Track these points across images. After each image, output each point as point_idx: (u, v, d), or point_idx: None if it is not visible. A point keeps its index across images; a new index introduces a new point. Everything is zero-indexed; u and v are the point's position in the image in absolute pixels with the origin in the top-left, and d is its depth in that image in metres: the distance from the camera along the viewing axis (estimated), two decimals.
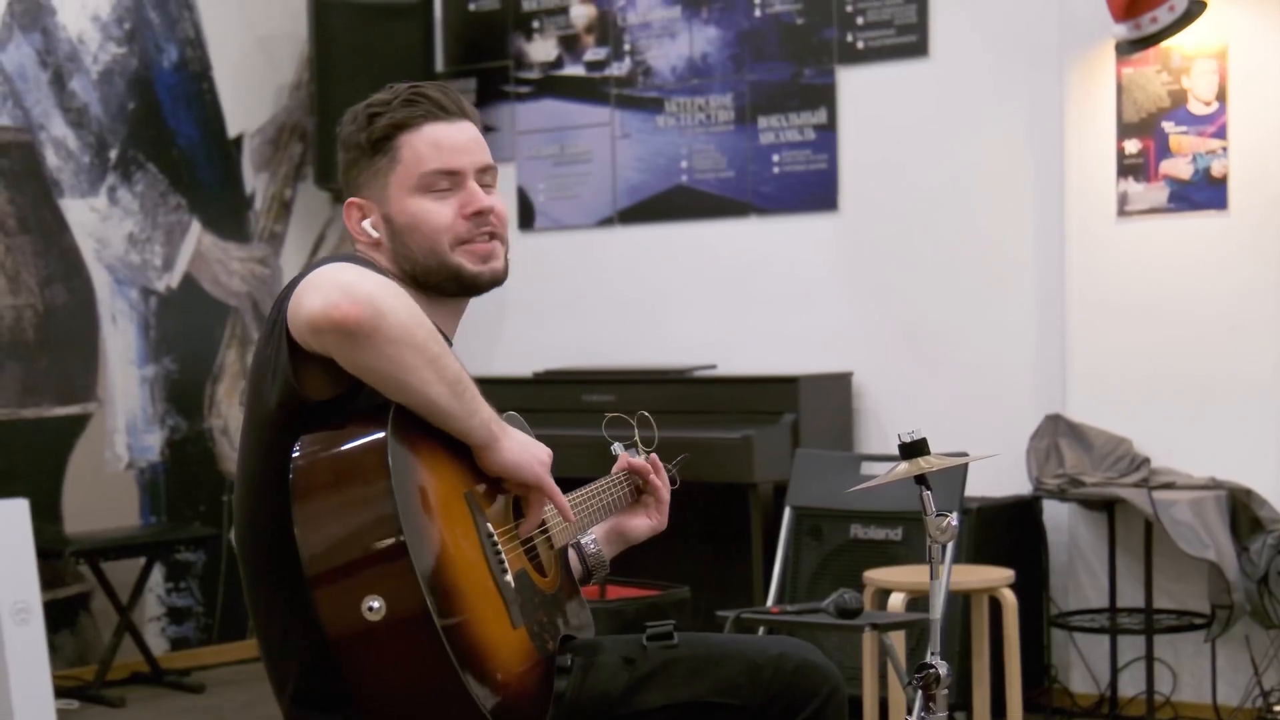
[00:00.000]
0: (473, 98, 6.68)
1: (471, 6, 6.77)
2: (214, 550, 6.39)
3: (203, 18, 6.44)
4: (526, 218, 6.63)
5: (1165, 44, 5.13)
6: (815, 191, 5.99)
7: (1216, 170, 5.17)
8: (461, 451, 2.36)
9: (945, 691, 2.70)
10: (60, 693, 5.53)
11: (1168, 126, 5.24)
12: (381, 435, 2.23)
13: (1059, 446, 5.31)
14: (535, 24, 6.60)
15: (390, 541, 2.17)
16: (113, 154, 6.20)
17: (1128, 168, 5.31)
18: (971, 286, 5.68)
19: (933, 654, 2.72)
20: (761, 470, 5.43)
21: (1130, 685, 5.29)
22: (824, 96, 5.94)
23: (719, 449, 5.39)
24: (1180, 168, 5.23)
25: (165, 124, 6.36)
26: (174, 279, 6.37)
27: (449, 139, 2.50)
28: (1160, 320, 5.27)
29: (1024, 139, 5.57)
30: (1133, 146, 5.30)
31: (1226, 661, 5.18)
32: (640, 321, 6.36)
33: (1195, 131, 5.20)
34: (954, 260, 5.71)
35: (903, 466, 2.73)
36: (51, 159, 6.04)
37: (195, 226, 6.43)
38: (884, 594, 4.38)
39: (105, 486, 6.16)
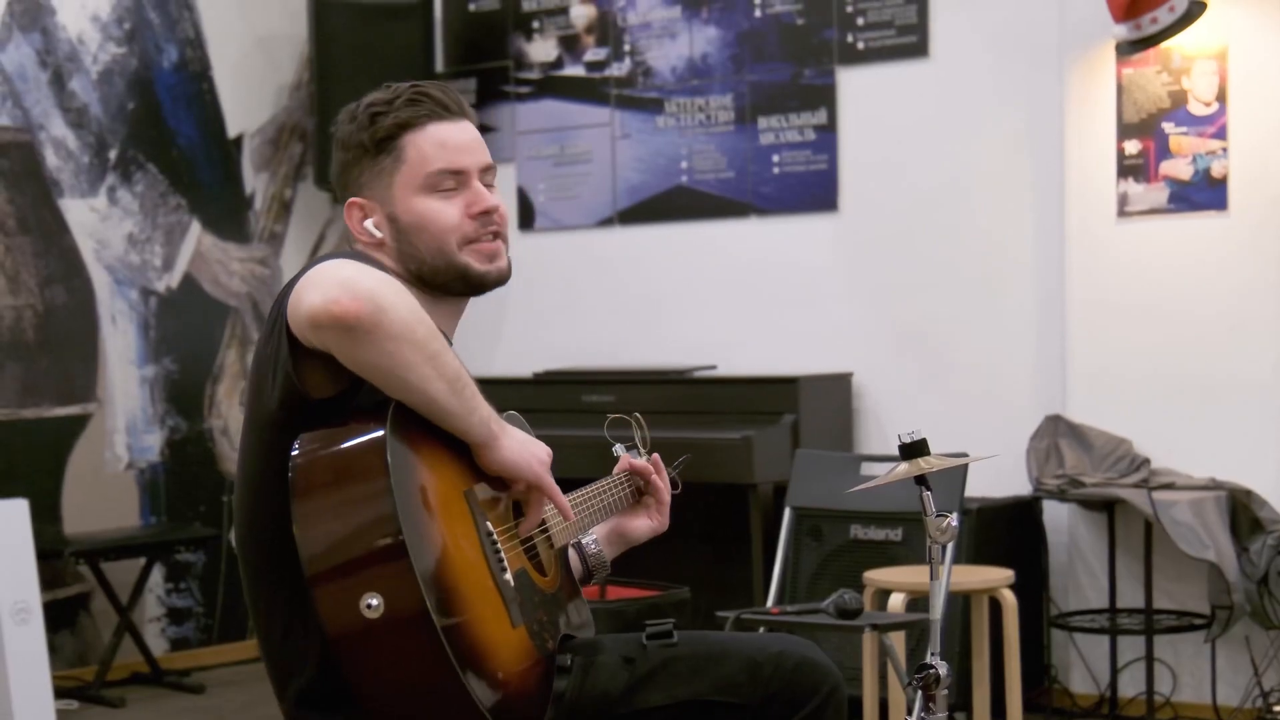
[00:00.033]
0: (473, 98, 6.68)
1: (471, 6, 6.77)
2: (214, 551, 6.39)
3: (203, 18, 6.44)
4: (526, 218, 6.63)
5: (1165, 45, 5.13)
6: (815, 192, 5.99)
7: (1216, 171, 5.17)
8: (462, 450, 2.37)
9: (945, 692, 2.70)
10: (60, 693, 5.53)
11: (1168, 127, 5.24)
12: (381, 433, 2.23)
13: (1059, 447, 5.31)
14: (535, 24, 6.61)
15: (389, 540, 2.17)
16: (113, 154, 6.20)
17: (1128, 168, 5.31)
18: (971, 287, 5.68)
19: (933, 654, 2.72)
20: (761, 471, 5.43)
21: (1130, 686, 5.29)
22: (824, 97, 5.94)
23: (719, 449, 5.39)
24: (1180, 168, 5.23)
25: (165, 124, 6.36)
26: (174, 279, 6.37)
27: (454, 138, 2.51)
28: (1160, 321, 5.27)
29: (1024, 139, 5.57)
30: (1133, 147, 5.30)
31: (1226, 662, 5.18)
32: (640, 322, 6.36)
33: (1195, 132, 5.20)
34: (954, 261, 5.71)
35: (903, 467, 2.73)
36: (51, 159, 6.04)
37: (195, 227, 6.43)
38: (884, 594, 4.38)
39: (105, 487, 6.16)
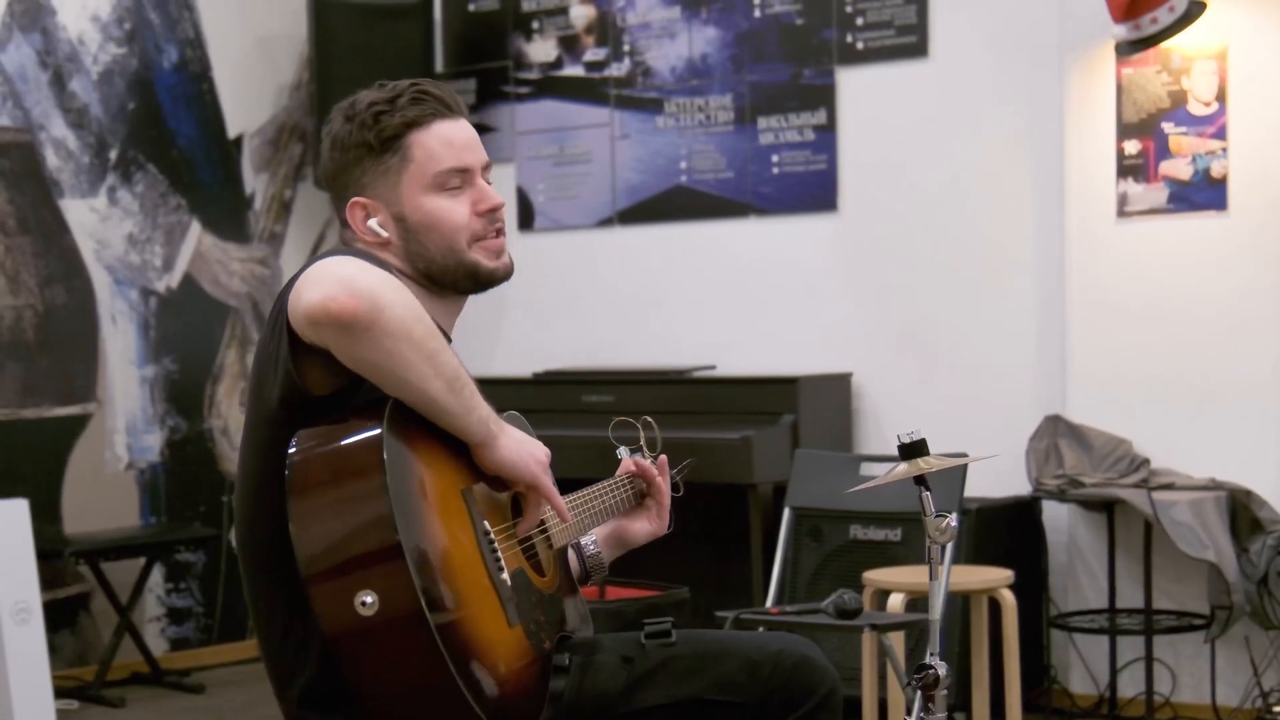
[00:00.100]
0: (472, 98, 6.69)
1: (471, 7, 6.77)
2: (214, 550, 6.39)
3: (203, 18, 6.45)
4: (526, 218, 6.64)
5: (1165, 45, 5.13)
6: (815, 192, 5.99)
7: (1216, 171, 5.17)
8: (461, 449, 2.37)
9: (944, 692, 2.70)
10: (60, 693, 5.53)
11: (1167, 127, 5.24)
12: (378, 431, 2.23)
13: (1058, 447, 5.31)
14: (535, 24, 6.61)
15: (384, 538, 2.17)
16: (113, 154, 6.20)
17: (1127, 168, 5.31)
18: (971, 287, 5.68)
19: (932, 654, 2.72)
20: (761, 471, 5.43)
21: (1130, 686, 5.29)
22: (824, 97, 5.94)
23: (718, 450, 5.39)
24: (1180, 168, 5.23)
25: (165, 124, 6.36)
26: (174, 279, 6.37)
27: (458, 137, 2.52)
28: (1160, 321, 5.27)
29: (1024, 139, 5.57)
30: (1132, 147, 5.30)
31: (1226, 662, 5.18)
32: (640, 322, 6.36)
33: (1195, 132, 5.20)
34: (954, 261, 5.71)
35: (902, 467, 2.73)
36: (51, 159, 6.04)
37: (195, 227, 6.43)
38: (883, 594, 4.38)
39: (105, 487, 6.16)
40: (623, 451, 2.76)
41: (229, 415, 6.47)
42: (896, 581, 4.36)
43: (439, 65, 6.78)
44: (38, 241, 5.99)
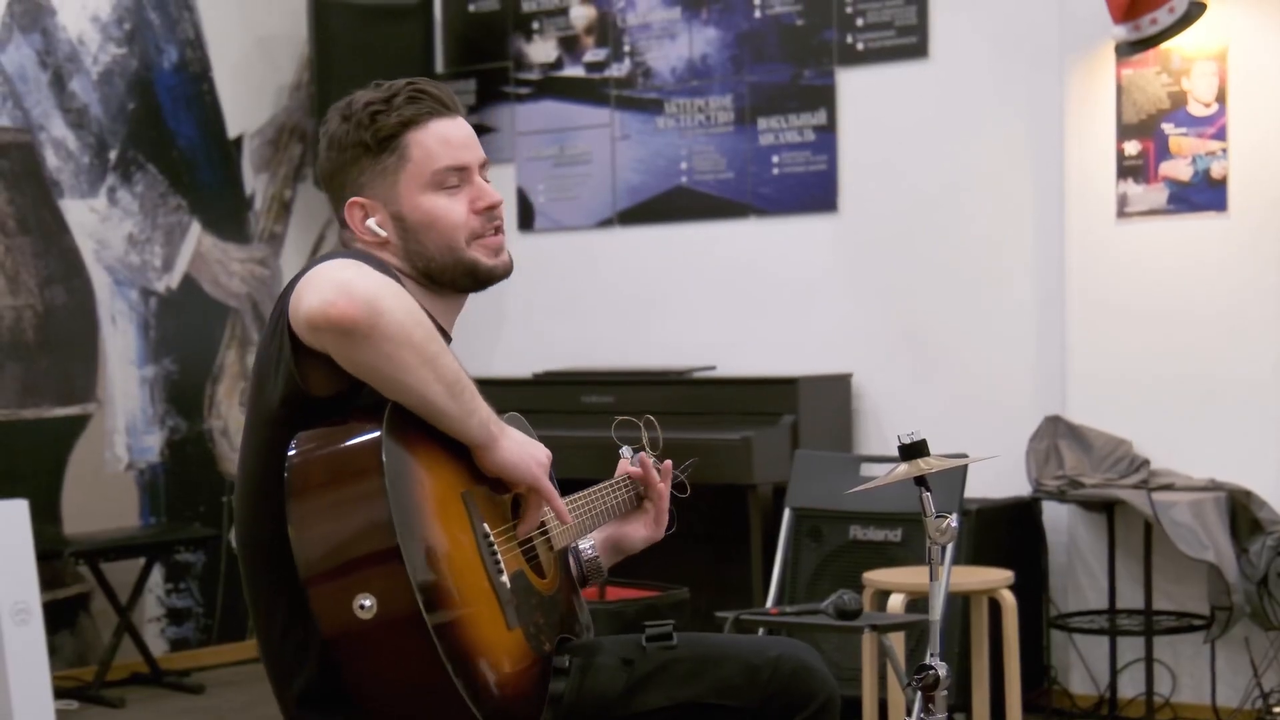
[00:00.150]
0: (472, 98, 6.70)
1: (471, 7, 6.77)
2: (214, 551, 6.39)
3: (203, 18, 6.45)
4: (526, 219, 6.63)
5: (1165, 45, 5.13)
6: (815, 193, 5.99)
7: (1216, 172, 5.17)
8: (461, 451, 2.37)
9: (944, 693, 2.70)
10: (60, 693, 5.53)
11: (1167, 128, 5.24)
12: (377, 433, 2.23)
13: (1058, 448, 5.31)
14: (535, 25, 6.61)
15: (382, 540, 2.17)
16: (112, 155, 6.20)
17: (1127, 169, 5.31)
18: (971, 288, 5.68)
19: (932, 655, 2.72)
20: (761, 471, 5.43)
21: (1130, 687, 5.29)
22: (824, 98, 5.94)
23: (718, 450, 5.39)
24: (1180, 169, 5.23)
25: (165, 125, 6.36)
26: (174, 280, 6.37)
27: (455, 135, 2.52)
28: (1160, 322, 5.27)
29: (1024, 140, 5.57)
30: (1132, 148, 5.30)
31: (1226, 663, 5.18)
32: (640, 322, 6.36)
33: (1195, 133, 5.21)
34: (954, 262, 5.71)
35: (902, 468, 2.73)
36: (51, 160, 6.04)
37: (195, 227, 6.43)
38: (883, 595, 4.38)
39: (105, 487, 6.16)
40: (625, 451, 2.76)
41: (229, 416, 6.47)
42: (896, 582, 4.36)
43: (439, 66, 6.78)
44: (38, 242, 5.99)
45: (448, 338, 2.49)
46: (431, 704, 2.18)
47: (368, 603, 2.16)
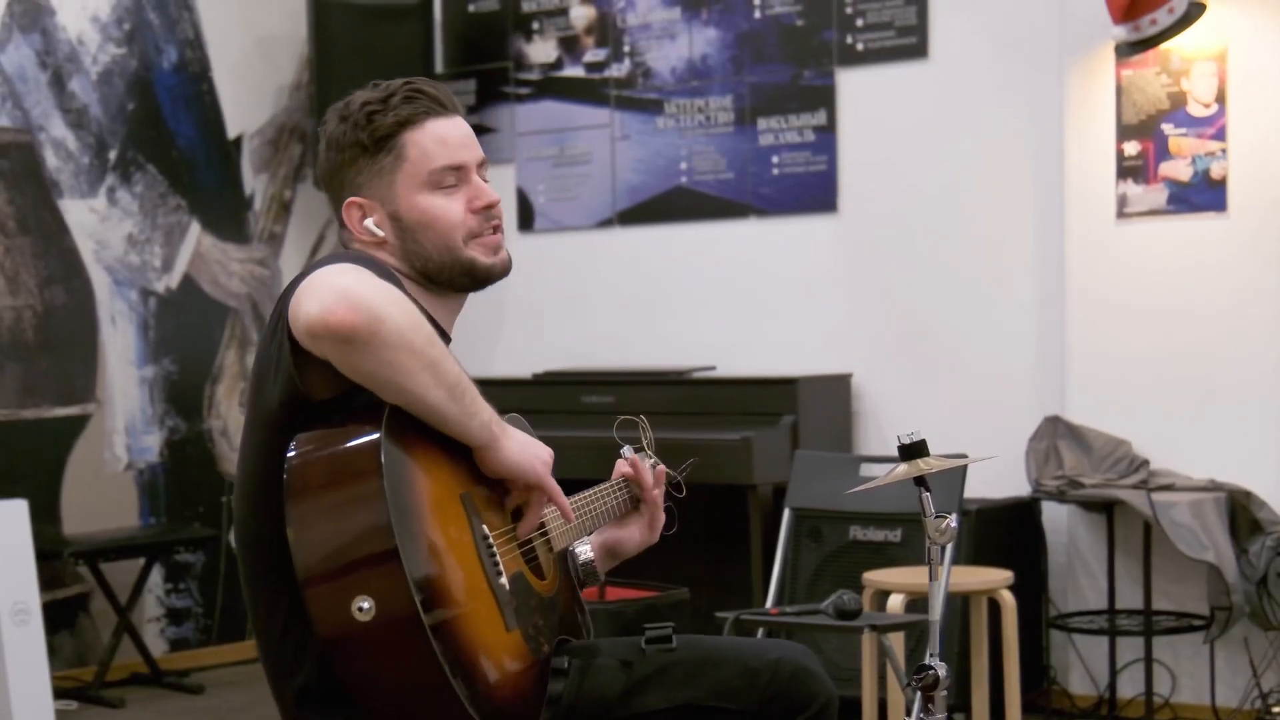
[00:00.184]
0: (472, 99, 6.70)
1: (471, 7, 6.77)
2: (213, 551, 6.39)
3: (202, 18, 6.45)
4: (526, 219, 6.63)
5: (1165, 46, 5.13)
6: (815, 193, 5.99)
7: (1216, 172, 5.17)
8: (460, 452, 2.36)
9: (944, 693, 2.70)
10: (59, 693, 5.53)
11: (1167, 128, 5.24)
12: (376, 435, 2.23)
13: (1058, 448, 5.31)
14: (535, 25, 6.61)
15: (381, 542, 2.17)
16: (112, 155, 6.20)
17: (1127, 169, 5.31)
18: (971, 288, 5.68)
19: (932, 655, 2.72)
20: (761, 472, 5.43)
21: (1129, 687, 5.29)
22: (823, 98, 5.94)
23: (718, 450, 5.39)
24: (1180, 170, 5.23)
25: (165, 125, 6.36)
26: (173, 280, 6.37)
27: (452, 134, 2.51)
28: (1159, 322, 5.27)
29: (1024, 141, 5.57)
30: (1132, 148, 5.30)
31: (1225, 663, 5.18)
32: (640, 323, 6.36)
33: (1195, 133, 5.21)
34: (954, 262, 5.71)
35: (902, 468, 2.73)
36: (51, 160, 6.04)
37: (195, 227, 6.43)
38: (883, 595, 4.38)
39: (104, 487, 6.16)
40: (626, 450, 2.76)
41: (228, 416, 6.47)
42: (896, 582, 4.36)
43: (439, 66, 6.78)
44: (37, 242, 5.99)
45: (447, 338, 2.49)
46: (430, 706, 2.18)
47: (366, 604, 2.16)
